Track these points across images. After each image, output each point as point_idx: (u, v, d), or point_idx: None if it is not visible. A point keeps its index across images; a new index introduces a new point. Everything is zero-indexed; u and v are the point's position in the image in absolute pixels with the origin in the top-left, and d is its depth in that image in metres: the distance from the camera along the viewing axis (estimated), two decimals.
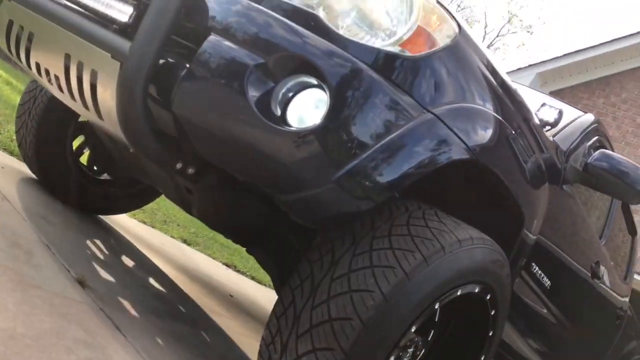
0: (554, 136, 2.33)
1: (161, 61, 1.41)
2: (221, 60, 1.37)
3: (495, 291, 1.69)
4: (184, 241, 4.00)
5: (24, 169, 2.82)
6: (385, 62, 1.42)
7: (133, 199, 3.00)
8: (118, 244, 2.81)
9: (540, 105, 2.63)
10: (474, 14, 24.40)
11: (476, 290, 1.62)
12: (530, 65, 10.05)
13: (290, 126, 1.35)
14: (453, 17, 1.60)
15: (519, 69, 9.92)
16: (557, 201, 2.16)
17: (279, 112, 1.36)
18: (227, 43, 1.38)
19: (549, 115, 2.54)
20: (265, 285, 4.57)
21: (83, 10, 1.61)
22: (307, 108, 1.36)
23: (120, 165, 2.49)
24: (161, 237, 3.65)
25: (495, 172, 1.69)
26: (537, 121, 2.05)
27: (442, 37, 1.53)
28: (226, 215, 1.89)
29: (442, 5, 1.58)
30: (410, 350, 1.64)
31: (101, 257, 2.38)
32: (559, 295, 2.49)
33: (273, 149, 1.35)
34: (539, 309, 2.43)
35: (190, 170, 1.61)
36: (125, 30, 1.48)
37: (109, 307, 1.83)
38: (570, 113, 2.68)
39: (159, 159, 1.51)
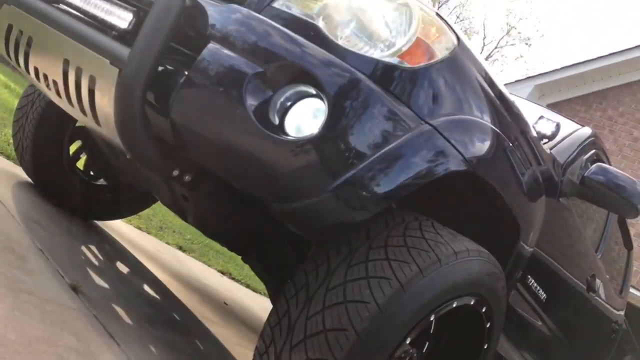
0: (551, 149, 2.33)
1: (160, 68, 1.40)
2: (220, 68, 1.37)
3: (491, 304, 1.69)
4: (180, 248, 3.98)
5: (20, 172, 2.81)
6: (384, 73, 1.42)
7: (129, 204, 2.99)
8: (113, 249, 2.79)
9: (538, 118, 2.63)
10: (473, 25, 24.52)
11: (472, 303, 1.61)
12: (528, 78, 10.10)
13: (288, 135, 1.34)
14: (452, 29, 1.60)
15: (517, 81, 9.96)
16: (554, 214, 2.16)
17: (276, 121, 1.35)
18: (226, 51, 1.38)
19: (547, 128, 2.54)
20: (260, 293, 4.55)
21: (83, 16, 1.62)
22: (305, 117, 1.36)
23: (116, 171, 2.49)
24: (156, 243, 3.64)
25: (492, 184, 1.69)
26: (534, 134, 2.05)
27: (441, 49, 1.53)
28: (222, 223, 1.88)
29: (441, 17, 1.58)
30: None
31: (96, 263, 2.37)
32: (554, 308, 2.49)
33: (270, 158, 1.35)
34: (534, 322, 2.42)
35: (187, 178, 1.61)
36: (125, 36, 1.48)
37: (102, 314, 1.82)
38: (568, 126, 2.69)
39: (156, 165, 1.51)
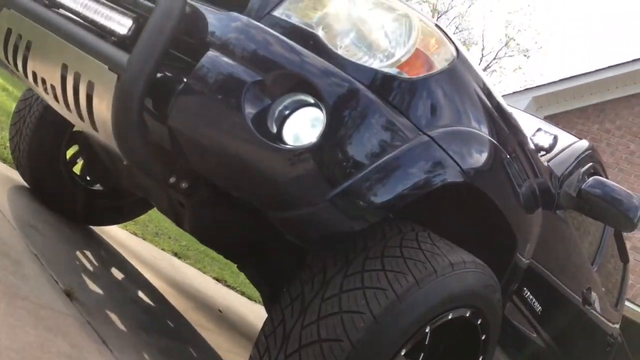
0: (548, 161, 2.34)
1: (158, 75, 1.40)
2: (219, 75, 1.36)
3: (487, 316, 1.68)
4: (175, 254, 3.97)
5: (17, 176, 2.80)
6: (383, 83, 1.42)
7: (125, 210, 2.98)
8: (108, 255, 2.78)
9: (536, 130, 2.64)
10: (472, 36, 24.53)
11: (467, 315, 1.61)
12: (526, 89, 10.15)
13: (286, 144, 1.34)
14: (451, 40, 1.60)
15: (515, 92, 10.01)
16: (550, 226, 2.16)
17: (275, 130, 1.35)
18: (226, 59, 1.38)
19: (544, 141, 2.55)
20: (255, 301, 4.53)
21: (82, 21, 1.61)
22: (303, 126, 1.36)
23: (113, 177, 2.48)
24: (152, 249, 3.62)
25: (489, 196, 1.68)
26: (532, 146, 2.05)
27: (440, 61, 1.53)
28: (218, 231, 1.87)
29: (440, 29, 1.59)
30: None
31: (91, 268, 2.36)
32: (550, 321, 2.48)
33: (268, 166, 1.34)
34: (529, 334, 2.41)
35: (184, 185, 1.60)
36: (124, 42, 1.48)
37: (96, 320, 1.81)
38: (565, 139, 2.69)
39: (153, 172, 1.50)
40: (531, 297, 2.24)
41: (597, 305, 2.99)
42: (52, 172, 2.60)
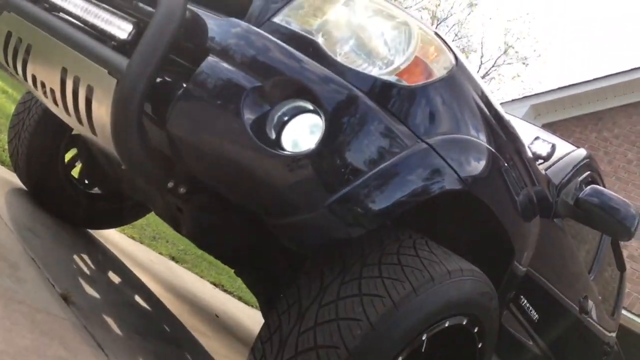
0: (546, 170, 2.34)
1: (158, 79, 1.40)
2: (218, 81, 1.37)
3: (483, 324, 1.68)
4: (172, 258, 3.96)
5: (14, 179, 2.80)
6: (382, 91, 1.43)
7: (123, 214, 2.98)
8: (105, 259, 2.78)
9: (534, 139, 2.64)
10: (471, 44, 24.62)
11: (464, 322, 1.61)
12: (524, 97, 10.18)
13: (285, 150, 1.34)
14: (450, 48, 1.61)
15: (514, 100, 10.03)
16: (548, 234, 2.17)
17: (273, 136, 1.35)
18: (225, 65, 1.38)
19: (542, 149, 2.56)
20: (252, 306, 4.53)
21: (82, 26, 1.62)
22: (302, 133, 1.36)
23: (111, 180, 2.48)
24: (149, 253, 3.62)
25: (486, 204, 1.69)
26: (529, 154, 2.06)
27: (439, 69, 1.54)
28: (216, 236, 1.87)
29: (439, 37, 1.59)
30: None
31: (87, 272, 2.35)
32: (546, 329, 2.48)
33: (266, 172, 1.34)
34: (526, 342, 2.41)
35: (182, 190, 1.60)
36: (124, 47, 1.48)
37: (92, 324, 1.80)
38: (563, 147, 2.70)
39: (151, 177, 1.50)
40: (528, 305, 2.24)
41: (593, 313, 2.99)
42: (50, 175, 2.60)
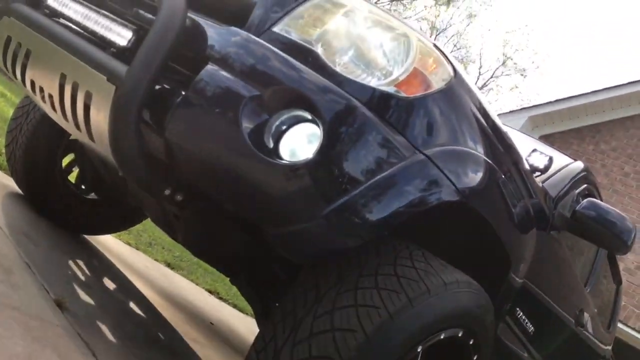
0: (543, 182, 2.34)
1: (157, 87, 1.40)
2: (217, 89, 1.37)
3: (479, 336, 1.68)
4: (168, 265, 3.95)
5: (11, 183, 2.79)
6: (380, 102, 1.43)
7: (119, 220, 2.97)
8: (101, 265, 2.77)
9: (531, 151, 2.65)
10: (470, 55, 24.74)
11: (460, 334, 1.60)
12: (522, 109, 10.20)
13: (282, 159, 1.34)
14: (449, 60, 1.61)
15: (511, 111, 10.07)
16: (544, 247, 2.16)
17: (271, 145, 1.35)
18: (224, 73, 1.38)
19: (539, 161, 2.56)
20: (247, 314, 4.51)
21: (82, 32, 1.62)
22: (300, 142, 1.36)
23: (108, 186, 2.47)
24: (145, 259, 3.61)
25: (483, 215, 1.69)
26: (527, 166, 2.06)
27: (437, 80, 1.54)
28: (211, 244, 1.87)
29: (438, 49, 1.60)
30: None
31: (82, 278, 2.34)
32: (542, 341, 2.47)
33: (264, 181, 1.34)
34: (521, 355, 2.40)
35: (179, 197, 1.59)
36: (123, 54, 1.49)
37: (86, 331, 1.79)
38: (560, 160, 2.71)
39: (148, 184, 1.50)
40: (524, 317, 2.24)
41: (589, 326, 2.98)
42: (47, 180, 2.59)
